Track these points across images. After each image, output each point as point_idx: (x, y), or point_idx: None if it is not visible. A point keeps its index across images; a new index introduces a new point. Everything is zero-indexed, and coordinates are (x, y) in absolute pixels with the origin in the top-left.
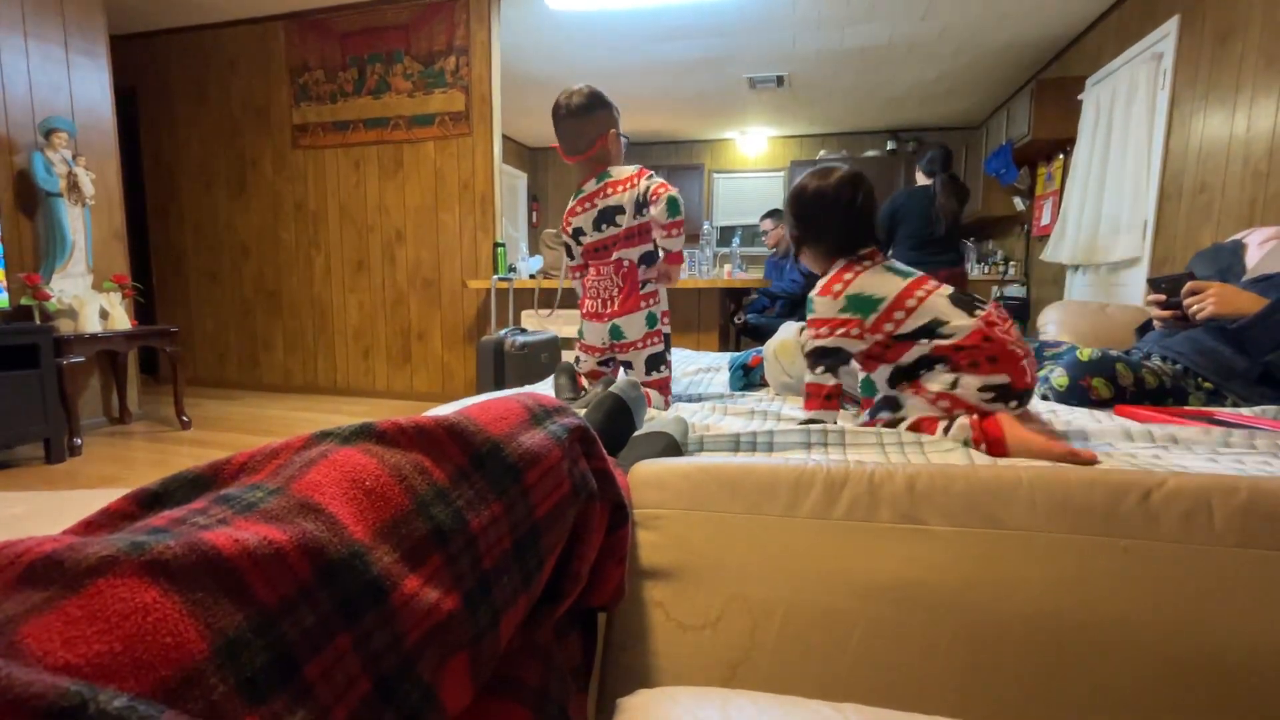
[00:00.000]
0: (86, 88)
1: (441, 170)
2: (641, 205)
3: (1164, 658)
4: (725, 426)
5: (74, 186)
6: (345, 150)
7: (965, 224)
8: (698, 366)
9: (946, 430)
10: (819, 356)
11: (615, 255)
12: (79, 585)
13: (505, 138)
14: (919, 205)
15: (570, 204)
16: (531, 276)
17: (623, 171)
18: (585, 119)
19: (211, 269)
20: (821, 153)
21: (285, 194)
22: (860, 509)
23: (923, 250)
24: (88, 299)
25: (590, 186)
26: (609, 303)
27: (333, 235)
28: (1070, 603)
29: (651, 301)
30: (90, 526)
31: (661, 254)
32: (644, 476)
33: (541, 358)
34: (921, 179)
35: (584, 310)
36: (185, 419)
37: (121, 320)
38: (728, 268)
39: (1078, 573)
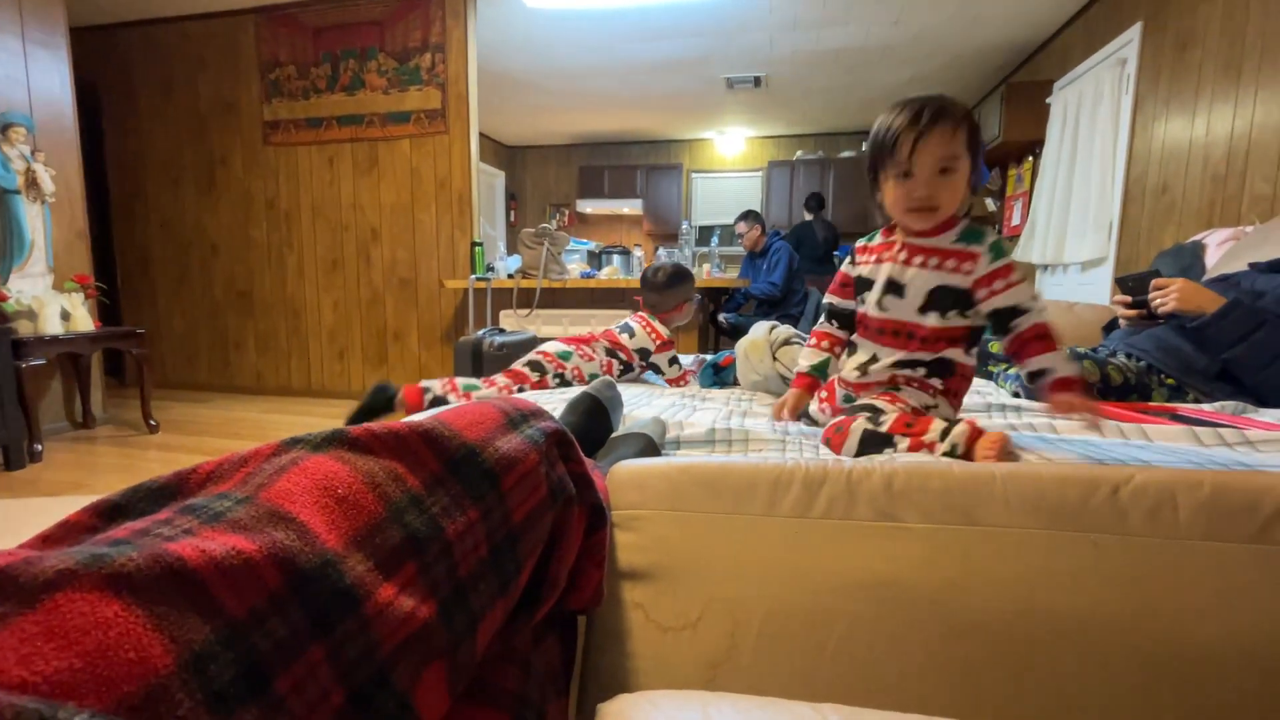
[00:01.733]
0: (45, 81)
1: (418, 168)
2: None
3: (1131, 649)
4: (698, 421)
5: (33, 183)
6: (319, 147)
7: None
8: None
9: (944, 434)
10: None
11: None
12: (35, 601)
13: (483, 136)
14: (809, 234)
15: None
16: (510, 276)
17: (656, 325)
18: (672, 289)
19: (179, 269)
20: (799, 153)
21: (256, 192)
22: (839, 507)
23: (818, 264)
24: (48, 300)
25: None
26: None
27: (306, 234)
28: (1042, 597)
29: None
30: (48, 541)
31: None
32: (622, 477)
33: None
34: (806, 215)
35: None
36: (152, 422)
37: (84, 321)
38: (706, 267)
39: (1050, 568)
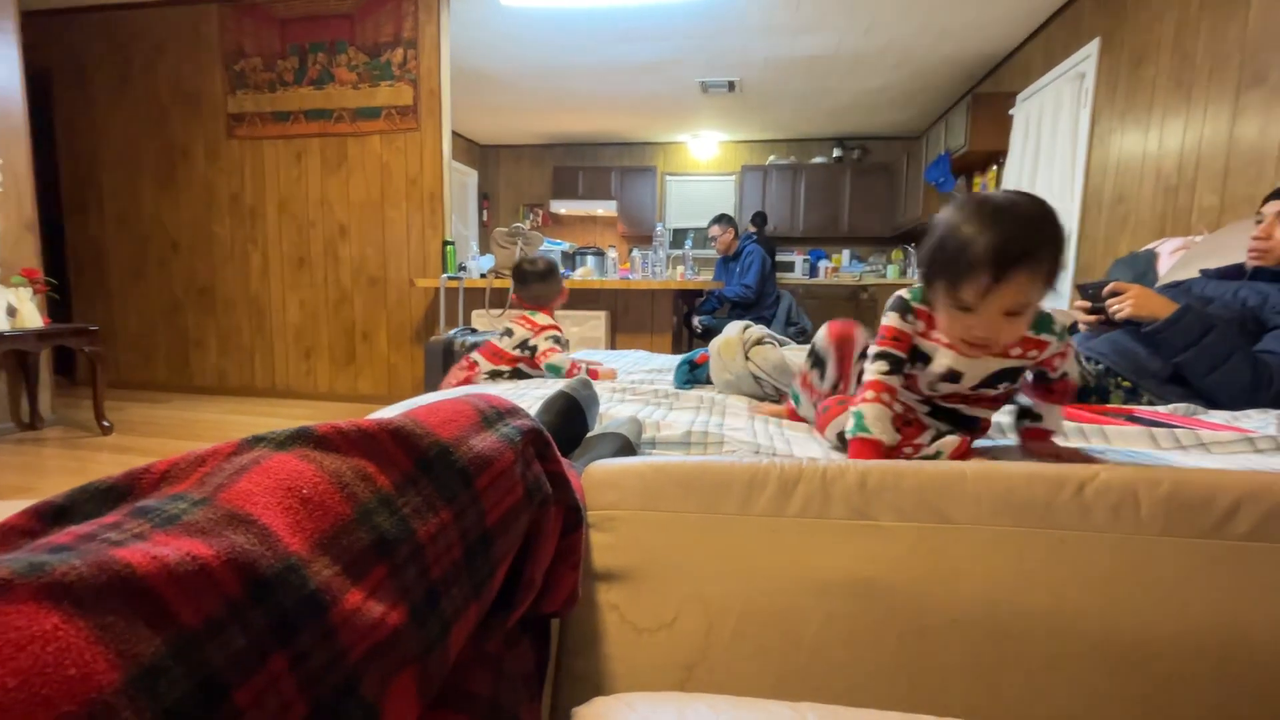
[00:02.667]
0: None
1: (388, 165)
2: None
3: (1096, 643)
4: (673, 421)
5: None
6: (285, 142)
7: (905, 231)
8: (652, 366)
9: (934, 439)
10: None
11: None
12: None
13: (455, 134)
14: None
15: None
16: (482, 275)
17: (534, 316)
18: (552, 279)
19: (136, 264)
20: (771, 158)
21: (220, 186)
22: (814, 506)
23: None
24: None
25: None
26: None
27: (271, 230)
28: (1011, 593)
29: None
30: None
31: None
32: (598, 477)
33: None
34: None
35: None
36: (106, 423)
37: (32, 318)
38: (680, 270)
39: (1018, 564)
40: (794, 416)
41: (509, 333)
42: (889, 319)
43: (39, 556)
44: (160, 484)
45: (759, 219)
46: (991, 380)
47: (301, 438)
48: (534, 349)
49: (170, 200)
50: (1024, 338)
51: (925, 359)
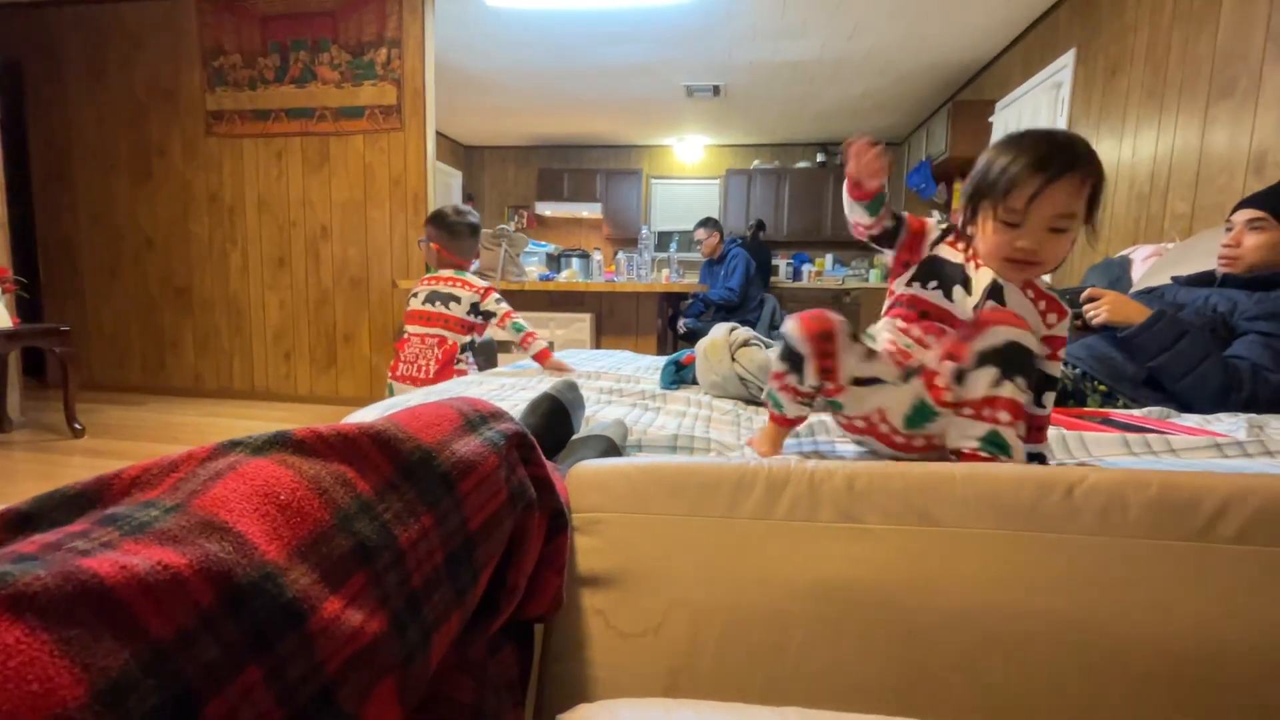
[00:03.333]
0: None
1: (371, 165)
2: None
3: (1083, 646)
4: (661, 425)
5: None
6: (266, 140)
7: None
8: (637, 366)
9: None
10: None
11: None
12: None
13: (440, 134)
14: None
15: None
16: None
17: (469, 278)
18: (476, 236)
19: (110, 263)
20: (755, 162)
21: (198, 184)
22: (801, 508)
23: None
24: None
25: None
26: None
27: (251, 229)
28: (999, 597)
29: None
30: None
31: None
32: (583, 478)
33: (476, 360)
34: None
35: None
36: (77, 426)
37: (0, 318)
38: (665, 272)
39: (1006, 567)
40: (783, 423)
41: (451, 299)
42: (929, 221)
43: (1, 567)
44: (131, 490)
45: (758, 225)
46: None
47: (279, 442)
48: (488, 313)
49: (146, 198)
50: (1050, 296)
51: (956, 278)
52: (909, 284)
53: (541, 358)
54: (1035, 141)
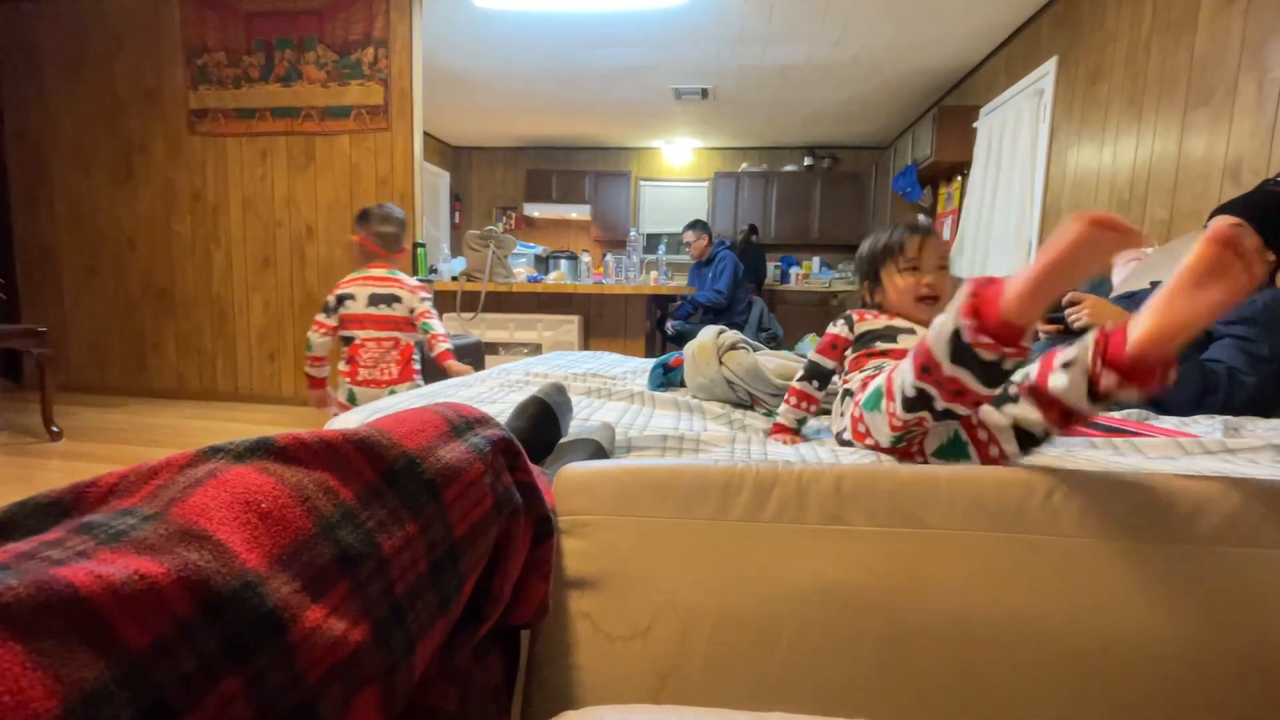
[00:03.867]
0: None
1: (357, 165)
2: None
3: (1065, 647)
4: (650, 428)
5: None
6: (250, 139)
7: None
8: (625, 369)
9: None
10: None
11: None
12: None
13: (427, 135)
14: (742, 253)
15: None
16: (454, 278)
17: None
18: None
19: (90, 263)
20: (743, 165)
21: (180, 183)
22: (789, 511)
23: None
24: None
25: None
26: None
27: (235, 230)
28: (983, 598)
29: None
30: None
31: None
32: (570, 481)
33: (464, 362)
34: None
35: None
36: (55, 429)
37: None
38: (654, 275)
39: (990, 569)
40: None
41: (393, 299)
42: (835, 330)
43: None
44: (108, 498)
45: (750, 230)
46: None
47: (261, 449)
48: (413, 309)
49: (127, 197)
50: None
51: (887, 335)
52: (855, 352)
53: (442, 358)
54: (896, 224)
